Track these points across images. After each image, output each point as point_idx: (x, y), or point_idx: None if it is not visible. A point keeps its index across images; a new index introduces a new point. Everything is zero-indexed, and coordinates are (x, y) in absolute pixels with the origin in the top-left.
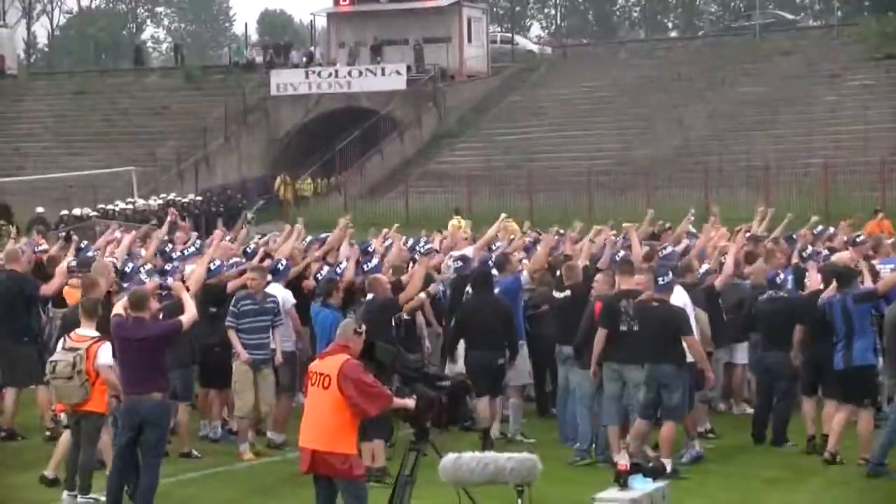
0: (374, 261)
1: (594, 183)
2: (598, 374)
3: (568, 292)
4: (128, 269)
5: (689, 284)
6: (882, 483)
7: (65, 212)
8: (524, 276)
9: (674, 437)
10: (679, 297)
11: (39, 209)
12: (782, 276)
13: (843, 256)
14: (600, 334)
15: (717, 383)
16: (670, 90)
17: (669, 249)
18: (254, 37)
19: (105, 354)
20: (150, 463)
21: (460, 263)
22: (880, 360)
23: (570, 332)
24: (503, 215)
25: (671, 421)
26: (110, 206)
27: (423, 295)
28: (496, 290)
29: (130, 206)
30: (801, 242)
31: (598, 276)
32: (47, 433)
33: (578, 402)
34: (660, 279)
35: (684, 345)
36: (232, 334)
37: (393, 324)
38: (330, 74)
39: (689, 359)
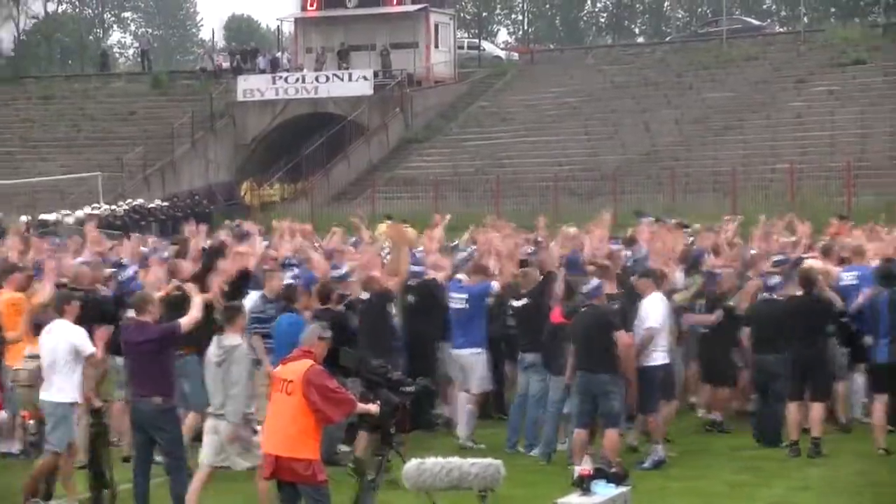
0: (344, 269)
1: (561, 188)
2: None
3: (525, 300)
4: None
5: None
6: (844, 487)
7: (26, 217)
8: (495, 285)
9: (618, 444)
10: (657, 306)
11: None
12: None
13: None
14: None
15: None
16: (637, 96)
17: (643, 252)
18: (220, 42)
19: None
20: (171, 467)
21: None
22: None
23: (532, 338)
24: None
25: (613, 428)
26: (79, 212)
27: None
28: (465, 295)
29: (96, 212)
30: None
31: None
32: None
33: (548, 407)
34: (586, 286)
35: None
36: (258, 340)
37: (392, 311)
38: (297, 80)
39: (661, 362)
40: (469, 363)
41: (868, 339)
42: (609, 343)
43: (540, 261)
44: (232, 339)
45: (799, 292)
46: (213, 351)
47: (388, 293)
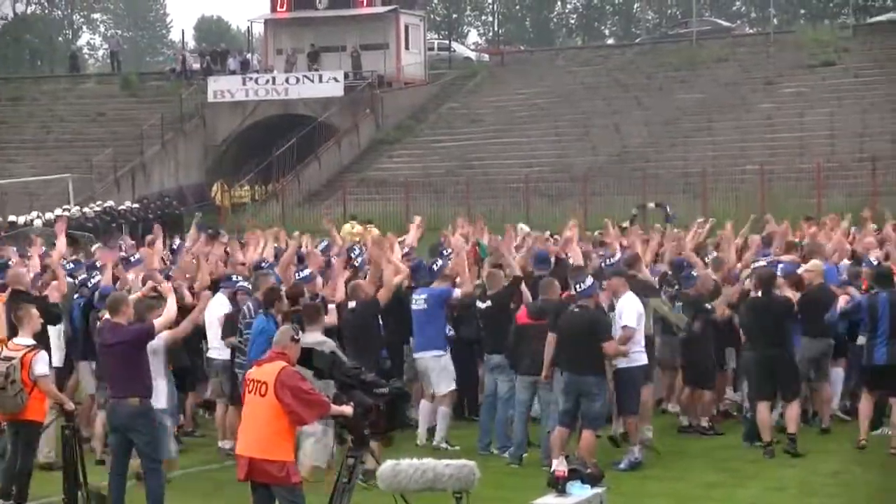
0: (307, 270)
1: (532, 189)
2: (549, 377)
3: (489, 302)
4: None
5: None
6: (819, 487)
7: None
8: (457, 291)
9: (595, 445)
10: (632, 306)
11: None
12: None
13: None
14: (550, 338)
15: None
16: (607, 97)
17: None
18: (191, 43)
19: (41, 364)
20: (147, 468)
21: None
22: None
23: (497, 340)
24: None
25: (591, 430)
26: (49, 214)
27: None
28: (424, 296)
29: (66, 214)
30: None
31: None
32: None
33: (517, 408)
34: (577, 285)
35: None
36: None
37: (379, 321)
38: (267, 81)
39: (640, 363)
40: (430, 366)
41: (861, 339)
42: (597, 346)
43: (506, 265)
44: (314, 336)
45: (758, 293)
46: None
47: (376, 303)
